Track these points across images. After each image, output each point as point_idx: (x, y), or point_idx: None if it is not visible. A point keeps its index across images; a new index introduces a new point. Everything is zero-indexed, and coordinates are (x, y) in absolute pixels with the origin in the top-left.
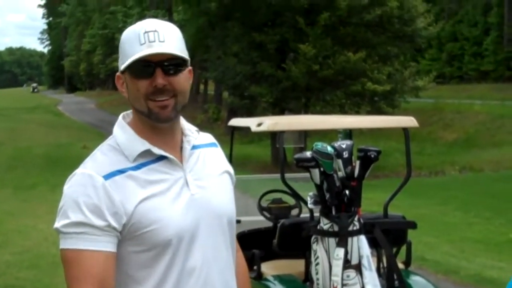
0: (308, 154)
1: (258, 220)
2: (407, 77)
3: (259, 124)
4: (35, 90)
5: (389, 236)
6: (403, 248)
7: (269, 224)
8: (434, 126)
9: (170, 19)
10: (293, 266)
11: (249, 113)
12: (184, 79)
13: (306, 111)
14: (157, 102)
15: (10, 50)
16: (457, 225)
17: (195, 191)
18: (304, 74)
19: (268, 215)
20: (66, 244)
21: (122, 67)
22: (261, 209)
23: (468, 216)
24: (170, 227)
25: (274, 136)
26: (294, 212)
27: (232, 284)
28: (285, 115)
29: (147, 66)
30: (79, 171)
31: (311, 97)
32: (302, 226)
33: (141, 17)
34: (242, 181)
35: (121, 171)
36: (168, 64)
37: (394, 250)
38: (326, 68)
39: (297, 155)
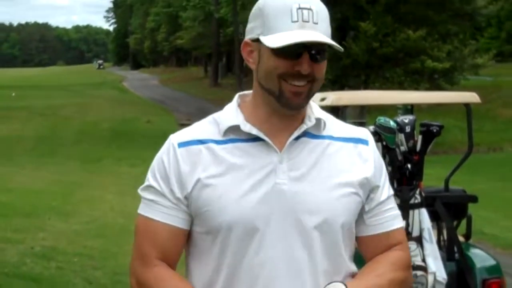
0: (371, 128)
1: None
2: (467, 55)
3: (323, 99)
4: (101, 66)
5: (450, 210)
6: (463, 222)
7: None
8: (493, 104)
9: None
10: None
11: None
12: (325, 66)
13: (366, 88)
14: (293, 87)
15: (77, 28)
16: None
17: (283, 181)
18: (364, 51)
19: None
20: (140, 209)
21: (263, 38)
22: None
23: None
24: (226, 213)
25: (335, 111)
26: None
27: None
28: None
29: (295, 48)
30: (171, 135)
31: (371, 74)
32: None
33: None
34: None
35: (201, 141)
36: (317, 51)
37: (455, 223)
38: (386, 45)
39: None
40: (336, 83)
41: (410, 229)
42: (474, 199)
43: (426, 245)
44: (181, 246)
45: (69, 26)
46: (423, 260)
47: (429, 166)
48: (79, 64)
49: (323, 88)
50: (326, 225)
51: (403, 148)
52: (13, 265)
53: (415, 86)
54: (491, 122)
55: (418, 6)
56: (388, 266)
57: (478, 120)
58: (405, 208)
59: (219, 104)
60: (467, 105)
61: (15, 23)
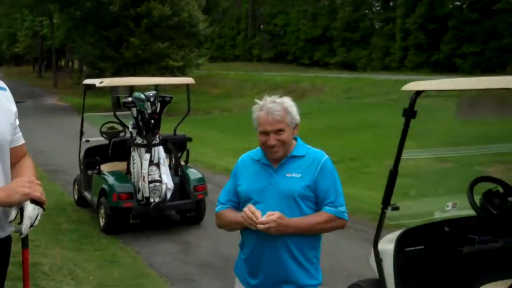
0: (130, 99)
1: (100, 139)
2: (192, 57)
3: (101, 82)
4: None
5: (176, 146)
6: (184, 154)
7: (106, 142)
8: (206, 86)
9: (51, 22)
10: (120, 166)
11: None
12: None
13: (134, 75)
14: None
15: None
16: (217, 140)
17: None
18: (133, 55)
19: (105, 136)
20: None
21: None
22: (101, 133)
23: (224, 135)
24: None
25: (108, 89)
26: (122, 134)
27: None
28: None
29: None
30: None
31: (137, 69)
32: (126, 142)
33: (33, 20)
34: (93, 117)
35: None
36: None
37: (179, 154)
38: (146, 52)
39: (123, 100)
40: (115, 74)
41: (152, 158)
42: (190, 139)
43: (162, 167)
44: None
45: None
46: (160, 176)
47: (165, 122)
48: None
49: (109, 77)
50: None
51: (149, 110)
52: None
53: (163, 76)
54: (205, 97)
55: (164, 29)
56: (30, 166)
57: (198, 96)
58: (149, 146)
59: (41, 87)
60: (187, 85)
61: None
